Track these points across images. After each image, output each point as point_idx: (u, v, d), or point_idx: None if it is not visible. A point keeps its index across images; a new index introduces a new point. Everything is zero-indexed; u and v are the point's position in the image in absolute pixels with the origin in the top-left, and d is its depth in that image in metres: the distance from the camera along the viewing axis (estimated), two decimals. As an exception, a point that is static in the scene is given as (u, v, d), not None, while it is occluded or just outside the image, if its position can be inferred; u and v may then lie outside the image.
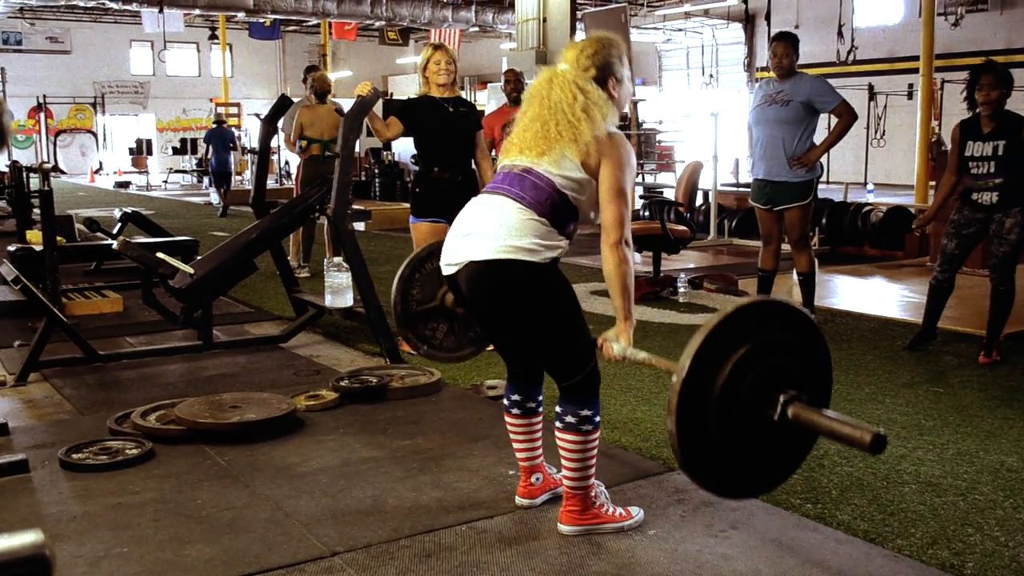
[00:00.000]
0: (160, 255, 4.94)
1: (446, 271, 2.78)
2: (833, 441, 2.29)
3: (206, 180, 19.60)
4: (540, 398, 2.97)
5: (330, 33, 22.22)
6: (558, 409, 2.77)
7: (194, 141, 24.81)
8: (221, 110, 21.55)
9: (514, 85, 7.13)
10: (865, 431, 2.14)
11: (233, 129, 18.74)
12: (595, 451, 2.78)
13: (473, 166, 5.19)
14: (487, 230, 2.65)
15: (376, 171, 17.50)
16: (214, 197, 16.63)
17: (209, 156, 16.39)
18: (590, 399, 2.75)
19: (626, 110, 2.81)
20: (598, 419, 2.77)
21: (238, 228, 6.25)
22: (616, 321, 2.71)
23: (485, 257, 2.63)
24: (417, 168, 5.30)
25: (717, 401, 2.21)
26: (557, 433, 2.77)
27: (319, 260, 7.74)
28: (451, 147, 5.06)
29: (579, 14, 14.34)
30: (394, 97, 20.39)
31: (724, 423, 2.22)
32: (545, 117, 2.71)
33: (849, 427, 2.19)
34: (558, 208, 2.66)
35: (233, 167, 16.90)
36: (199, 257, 5.30)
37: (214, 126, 16.81)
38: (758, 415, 2.27)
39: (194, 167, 22.55)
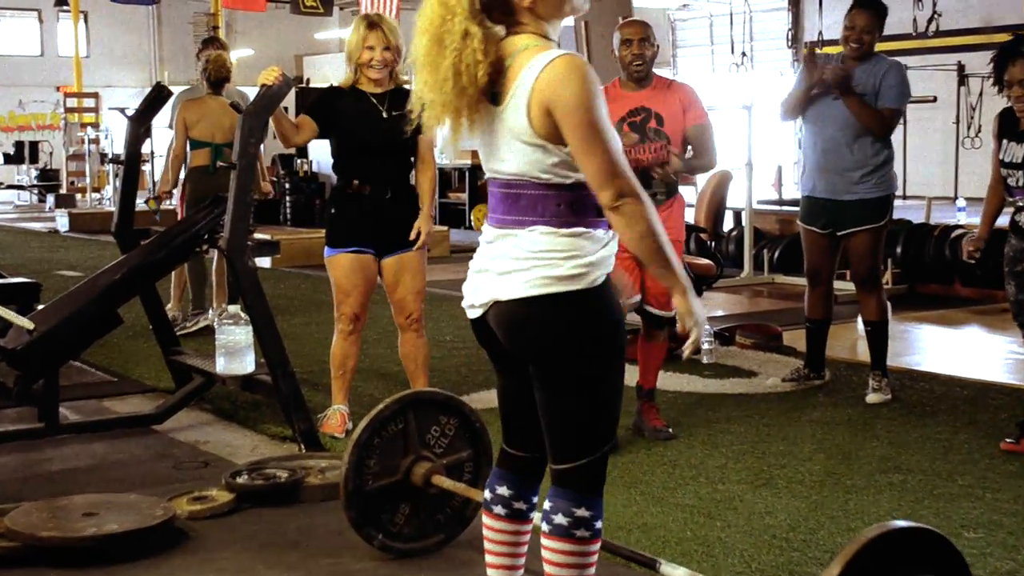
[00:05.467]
0: (-14, 304, 4.92)
1: (470, 314, 2.82)
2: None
3: (50, 199, 20.25)
4: (535, 500, 2.97)
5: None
6: (547, 506, 2.75)
7: (34, 145, 24.71)
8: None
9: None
10: None
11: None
12: (592, 566, 2.77)
13: (412, 180, 5.24)
14: (511, 264, 2.68)
15: (287, 186, 17.51)
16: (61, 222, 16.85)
17: None
18: (591, 495, 2.74)
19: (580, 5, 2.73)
20: (599, 524, 2.76)
21: (94, 264, 6.19)
22: (672, 294, 2.68)
23: (519, 295, 2.65)
24: (335, 183, 5.32)
25: None
26: (543, 540, 2.76)
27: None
28: (379, 157, 5.10)
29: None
30: (311, 85, 20.47)
31: None
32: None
33: None
34: (570, 200, 2.67)
35: None
36: (41, 306, 5.27)
37: None
38: None
39: (34, 181, 22.69)
